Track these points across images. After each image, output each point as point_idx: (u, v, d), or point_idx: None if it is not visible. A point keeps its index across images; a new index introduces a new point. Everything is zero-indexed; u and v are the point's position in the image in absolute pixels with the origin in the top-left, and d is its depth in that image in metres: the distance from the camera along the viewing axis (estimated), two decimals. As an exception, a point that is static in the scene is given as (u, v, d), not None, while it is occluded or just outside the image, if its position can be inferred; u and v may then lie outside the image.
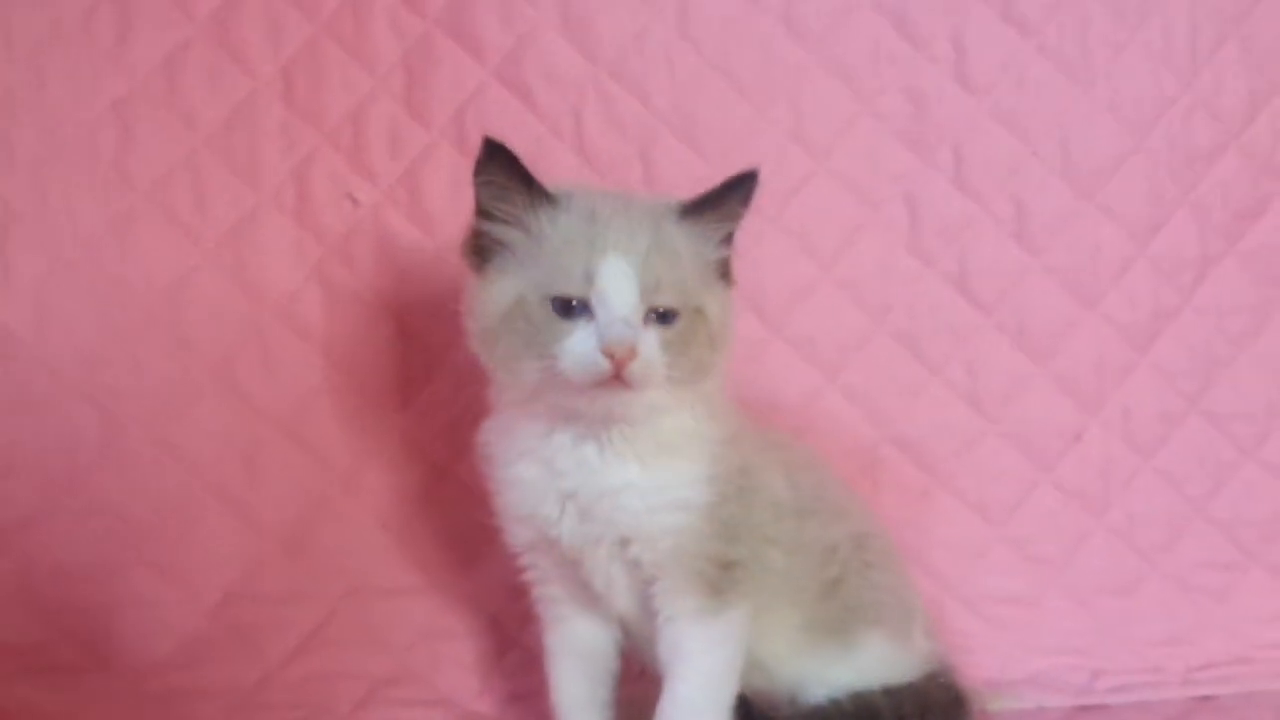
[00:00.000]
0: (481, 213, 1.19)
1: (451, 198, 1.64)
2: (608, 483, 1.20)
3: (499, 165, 1.16)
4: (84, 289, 1.52)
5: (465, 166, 1.63)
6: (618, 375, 1.12)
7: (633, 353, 1.12)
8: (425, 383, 1.62)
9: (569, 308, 1.13)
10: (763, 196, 1.59)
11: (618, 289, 1.13)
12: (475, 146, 1.58)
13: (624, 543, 1.22)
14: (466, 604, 1.59)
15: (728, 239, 1.24)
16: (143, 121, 1.56)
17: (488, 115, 1.65)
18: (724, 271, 1.25)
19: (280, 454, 1.56)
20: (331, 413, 1.58)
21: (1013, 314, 1.73)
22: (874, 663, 1.36)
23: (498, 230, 1.18)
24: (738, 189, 1.21)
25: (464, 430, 1.60)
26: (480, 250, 1.21)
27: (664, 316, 1.16)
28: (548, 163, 1.64)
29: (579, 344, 1.13)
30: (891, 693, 1.35)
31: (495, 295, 1.17)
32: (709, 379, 1.22)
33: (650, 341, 1.15)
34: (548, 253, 1.16)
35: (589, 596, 1.29)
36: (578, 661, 1.31)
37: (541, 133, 1.64)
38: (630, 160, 1.65)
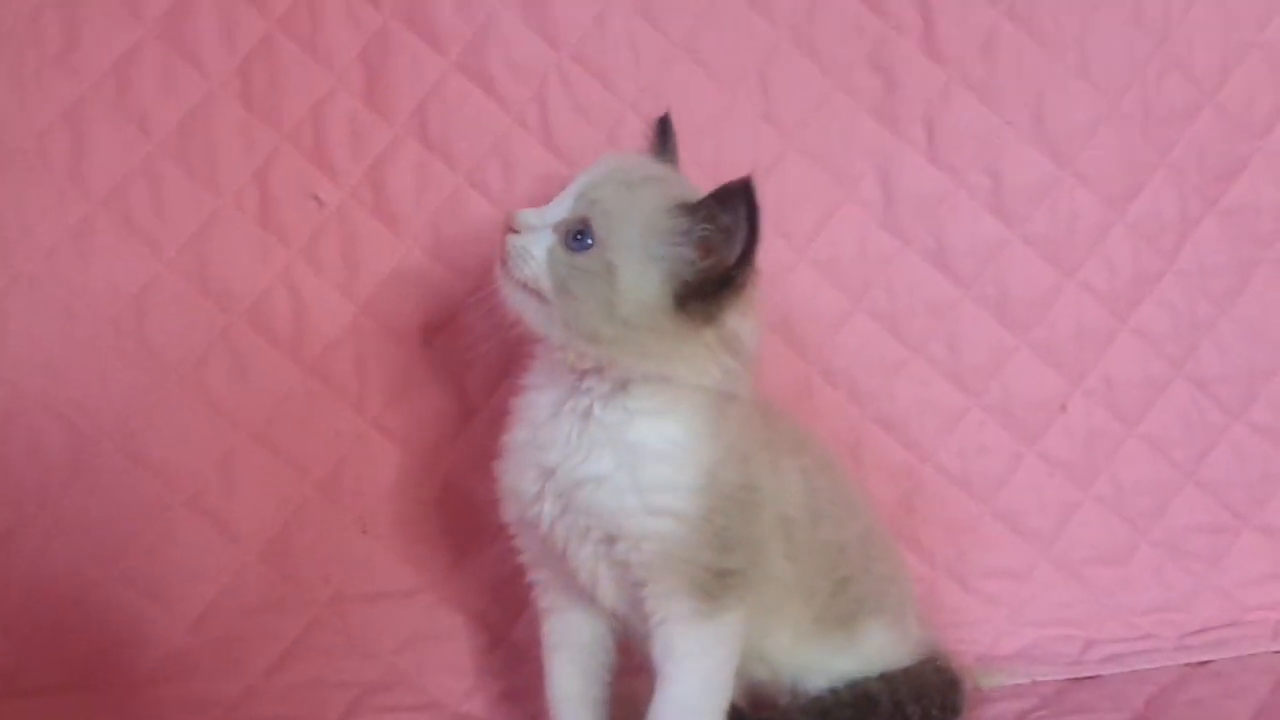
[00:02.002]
0: None
1: (417, 193, 1.60)
2: (583, 469, 1.18)
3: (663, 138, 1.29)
4: (44, 301, 1.48)
5: (430, 161, 1.62)
6: (498, 248, 1.17)
7: (518, 226, 1.16)
8: (403, 382, 1.59)
9: None
10: (732, 174, 1.58)
11: (567, 191, 1.19)
12: (440, 141, 1.61)
13: (609, 541, 1.19)
14: (453, 604, 1.56)
15: (703, 248, 1.14)
16: (95, 127, 1.52)
17: (451, 107, 1.62)
18: (693, 291, 1.15)
19: (255, 462, 1.53)
20: (306, 417, 1.55)
21: (992, 286, 1.71)
22: (875, 651, 1.34)
23: None
24: (724, 196, 1.13)
25: (442, 429, 1.59)
26: None
27: (574, 240, 1.16)
28: (515, 153, 1.62)
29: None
30: (887, 678, 1.33)
31: None
32: (597, 348, 1.16)
33: (540, 240, 1.17)
34: None
35: (580, 588, 1.26)
36: (572, 653, 1.29)
37: (507, 123, 1.61)
38: (599, 146, 1.61)
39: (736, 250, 1.14)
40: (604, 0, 1.63)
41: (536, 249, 1.16)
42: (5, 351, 1.46)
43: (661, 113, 1.31)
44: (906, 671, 1.35)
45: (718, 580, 1.19)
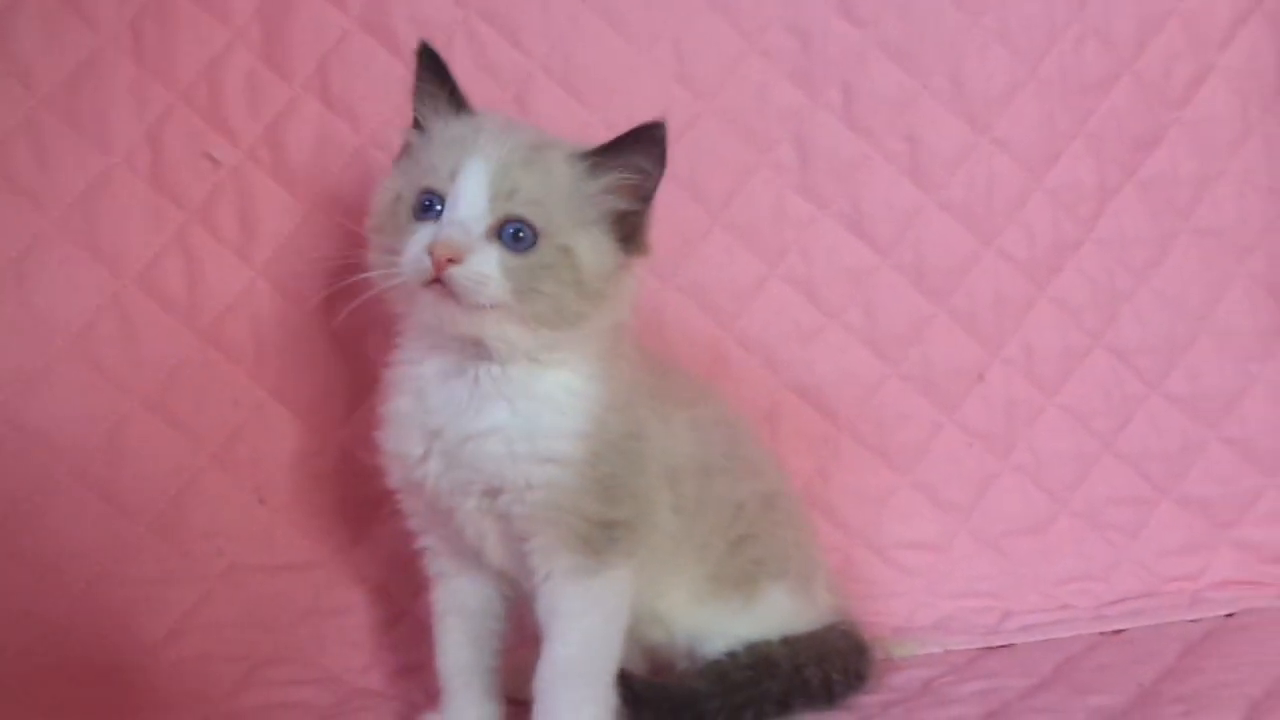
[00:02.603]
0: (414, 123, 1.20)
1: (317, 153, 1.55)
2: (474, 425, 1.14)
3: (430, 72, 1.18)
4: (-82, 263, 1.42)
5: (331, 120, 1.56)
6: (439, 279, 1.08)
7: (456, 255, 1.08)
8: (301, 350, 1.53)
9: (428, 209, 1.12)
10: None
11: (468, 189, 1.10)
12: (341, 100, 1.56)
13: (492, 494, 1.16)
14: (352, 578, 1.51)
15: (633, 193, 1.15)
16: (-28, 83, 1.45)
17: (353, 65, 1.56)
18: (626, 232, 1.16)
19: (146, 431, 1.47)
20: (200, 386, 1.50)
21: (910, 253, 1.68)
22: (775, 615, 1.32)
23: (412, 135, 1.19)
24: (641, 138, 1.14)
25: (342, 397, 1.54)
26: (399, 156, 1.20)
27: (516, 241, 1.11)
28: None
29: (415, 242, 1.11)
30: (790, 642, 1.31)
31: (382, 193, 1.18)
32: (575, 328, 1.15)
33: (487, 256, 1.10)
34: (431, 154, 1.15)
35: (468, 551, 1.22)
36: (461, 620, 1.25)
37: (410, 81, 1.56)
38: (505, 106, 1.56)
39: (654, 182, 1.15)
40: (514, -44, 1.58)
41: (487, 268, 1.09)
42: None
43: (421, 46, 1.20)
44: (811, 636, 1.33)
45: (602, 532, 1.16)
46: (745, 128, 1.63)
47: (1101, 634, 1.59)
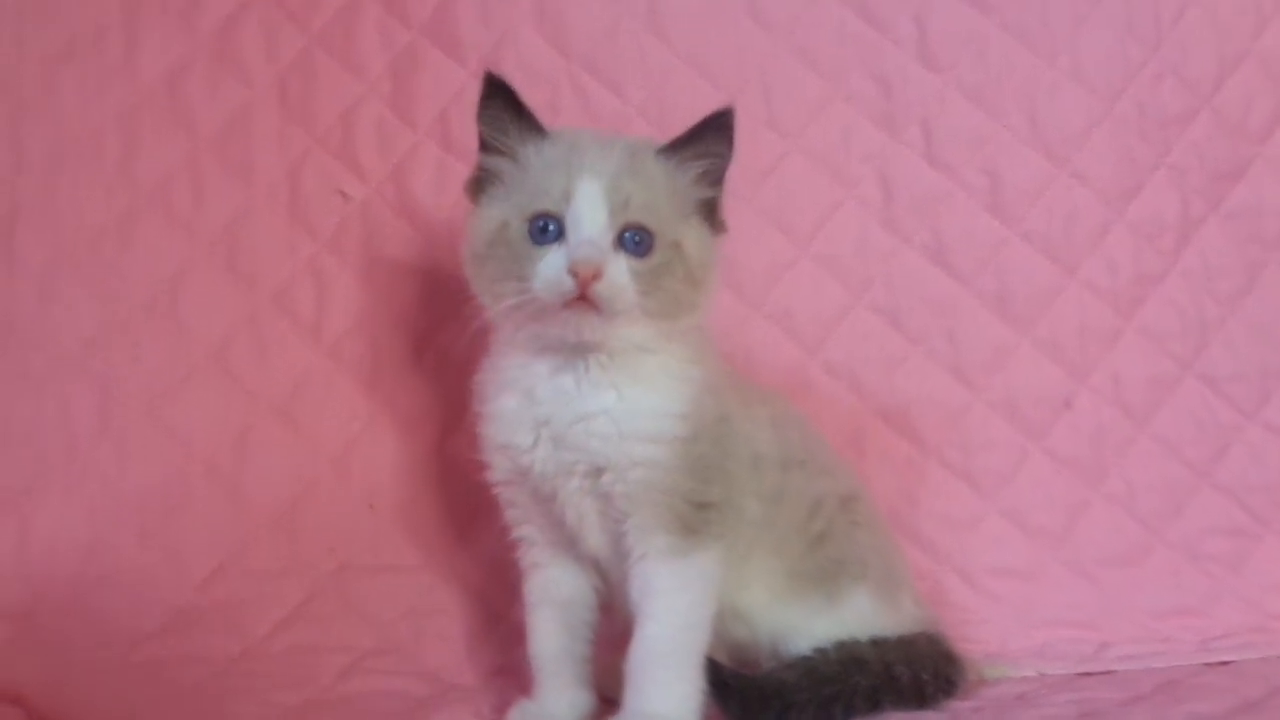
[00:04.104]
0: (482, 147, 1.23)
1: (436, 192, 1.68)
2: (583, 408, 1.19)
3: (498, 100, 1.21)
4: (87, 281, 1.57)
5: (449, 163, 1.70)
6: (583, 295, 1.13)
7: (598, 272, 1.13)
8: (414, 365, 1.63)
9: (545, 231, 1.16)
10: (736, 177, 1.63)
11: (588, 208, 1.15)
12: (460, 144, 1.69)
13: (596, 473, 1.19)
14: (454, 581, 1.56)
15: (712, 178, 1.23)
16: (147, 129, 1.63)
17: (470, 114, 1.69)
18: (709, 214, 1.23)
19: (271, 436, 1.57)
20: (322, 397, 1.60)
21: (992, 283, 1.70)
22: (858, 618, 1.30)
23: (493, 162, 1.22)
24: (713, 125, 1.21)
25: (448, 412, 1.63)
26: (480, 184, 1.25)
27: (638, 245, 1.16)
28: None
29: (550, 266, 1.15)
30: (880, 643, 1.29)
31: (484, 222, 1.21)
32: (689, 317, 1.21)
33: (619, 266, 1.15)
34: (532, 179, 1.20)
35: (564, 538, 1.26)
36: (555, 610, 1.28)
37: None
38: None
39: (726, 166, 1.21)
40: (614, 14, 1.71)
41: (620, 278, 1.14)
42: (47, 322, 1.54)
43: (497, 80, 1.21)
44: (900, 639, 1.30)
45: (696, 512, 1.18)
46: (830, 165, 1.70)
47: (1206, 665, 1.52)
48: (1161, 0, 1.73)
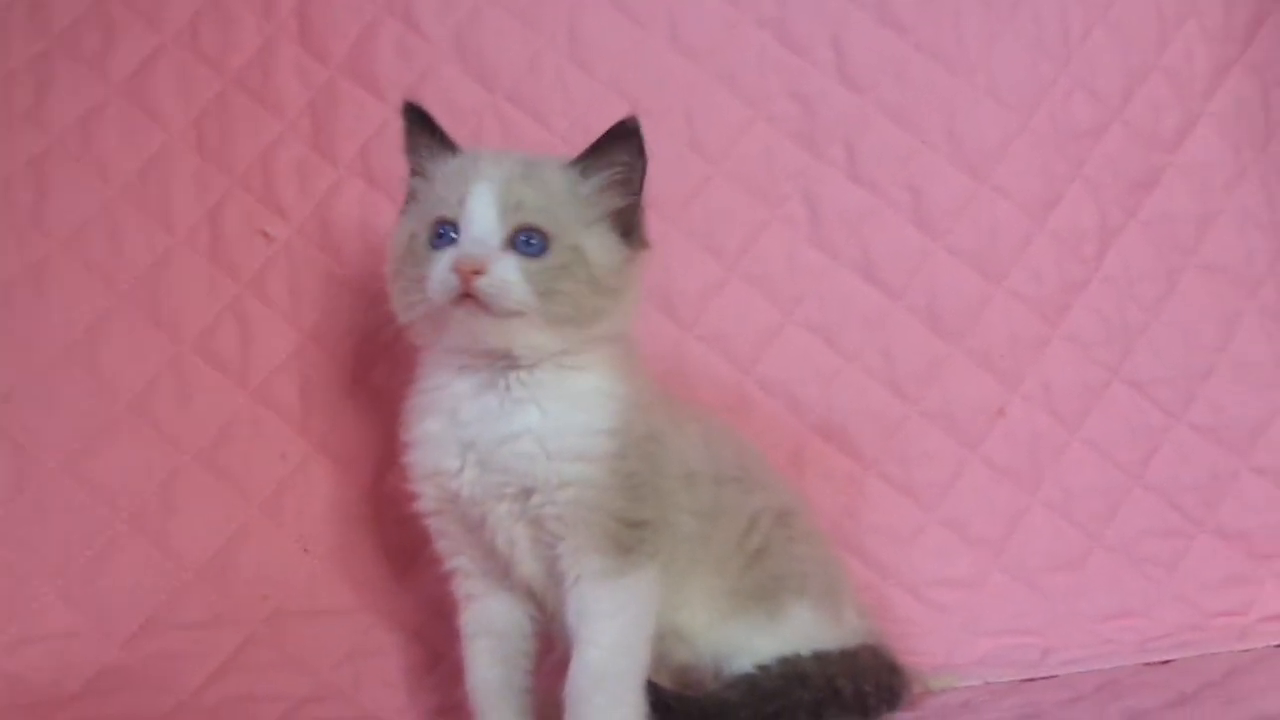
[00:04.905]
0: (411, 172, 1.27)
1: (361, 227, 1.67)
2: (507, 428, 1.19)
3: (417, 126, 1.26)
4: (0, 332, 1.54)
5: (373, 198, 1.69)
6: (469, 293, 1.14)
7: (480, 268, 1.14)
8: (344, 406, 1.61)
9: (442, 236, 1.19)
10: (662, 199, 1.65)
11: (479, 209, 1.18)
12: (383, 178, 1.69)
13: (524, 495, 1.19)
14: (391, 623, 1.53)
15: (624, 188, 1.23)
16: (58, 175, 1.61)
17: (393, 149, 1.69)
18: (625, 225, 1.24)
19: (198, 483, 1.54)
20: (250, 441, 1.57)
21: (922, 296, 1.73)
22: (800, 634, 1.30)
23: (414, 183, 1.27)
24: (617, 134, 1.22)
25: (382, 451, 1.61)
26: (405, 206, 1.29)
27: (530, 246, 1.18)
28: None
29: (440, 266, 1.17)
30: (822, 658, 1.29)
31: (398, 236, 1.25)
32: (596, 324, 1.21)
33: (506, 264, 1.17)
34: (436, 189, 1.23)
35: (498, 567, 1.25)
36: (492, 641, 1.27)
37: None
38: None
39: (640, 176, 1.22)
40: (535, 47, 1.73)
41: (509, 275, 1.16)
42: (-41, 377, 1.50)
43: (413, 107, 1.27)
44: (843, 652, 1.31)
45: (629, 531, 1.18)
46: (755, 186, 1.73)
47: (1146, 664, 1.54)
48: (1069, 17, 1.78)
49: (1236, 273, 1.78)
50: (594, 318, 1.19)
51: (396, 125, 1.67)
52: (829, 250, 1.73)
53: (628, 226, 1.23)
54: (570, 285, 1.17)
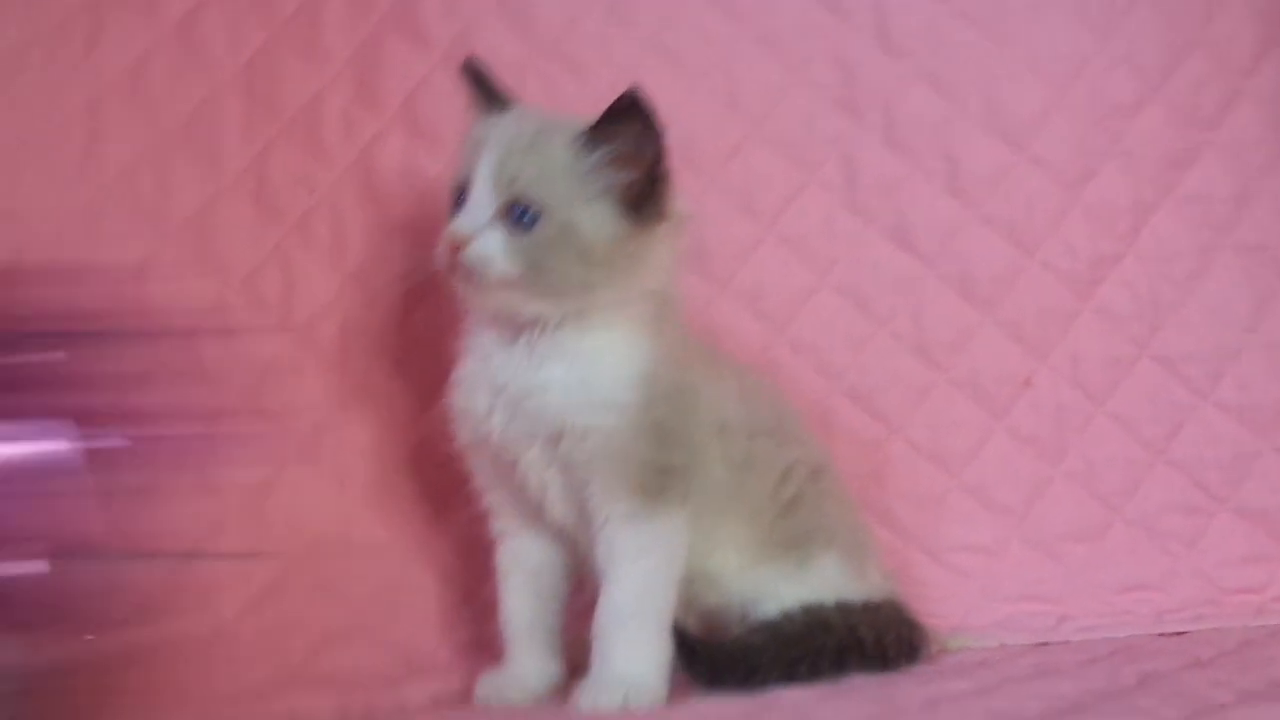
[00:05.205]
0: None
1: (404, 175, 1.70)
2: (534, 379, 1.23)
3: (471, 81, 1.30)
4: (52, 268, 1.58)
5: (414, 148, 1.72)
6: (454, 266, 1.19)
7: (462, 241, 1.19)
8: (384, 347, 1.65)
9: (459, 201, 1.24)
10: (700, 158, 1.67)
11: (480, 180, 1.21)
12: (426, 129, 1.72)
13: (554, 440, 1.23)
14: (425, 561, 1.58)
15: (632, 162, 1.22)
16: (111, 119, 1.64)
17: (436, 100, 1.72)
18: (637, 200, 1.23)
19: (239, 422, 1.58)
20: (290, 381, 1.61)
21: (954, 264, 1.75)
22: (827, 583, 1.34)
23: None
24: (620, 107, 1.21)
25: (420, 392, 1.64)
26: None
27: (519, 219, 1.20)
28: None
29: (444, 235, 1.23)
30: (845, 608, 1.32)
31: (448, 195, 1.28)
32: (586, 296, 1.23)
33: (490, 238, 1.20)
34: (464, 152, 1.26)
35: (530, 507, 1.29)
36: (524, 578, 1.31)
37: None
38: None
39: (650, 150, 1.22)
40: (578, 3, 1.74)
41: (488, 249, 1.19)
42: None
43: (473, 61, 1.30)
44: (866, 604, 1.34)
45: (656, 477, 1.21)
46: (793, 148, 1.74)
47: (1162, 634, 1.57)
48: (1113, -10, 1.78)
49: (1271, 253, 1.78)
50: (584, 290, 1.21)
51: (440, 78, 1.73)
52: (864, 215, 1.75)
53: (639, 200, 1.21)
54: (557, 260, 1.20)
